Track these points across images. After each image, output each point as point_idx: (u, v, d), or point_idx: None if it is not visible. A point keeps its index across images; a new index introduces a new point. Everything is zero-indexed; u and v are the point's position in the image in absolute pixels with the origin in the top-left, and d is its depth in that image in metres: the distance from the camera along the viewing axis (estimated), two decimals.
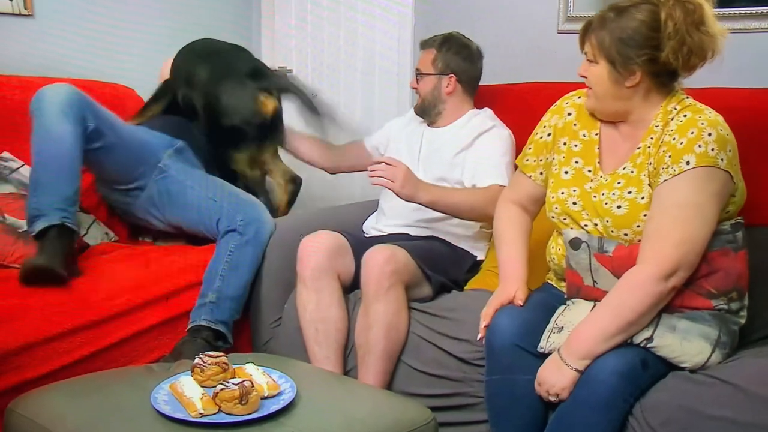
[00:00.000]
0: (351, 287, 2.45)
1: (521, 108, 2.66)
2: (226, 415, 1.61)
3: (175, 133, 2.76)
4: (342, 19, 3.67)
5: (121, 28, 3.31)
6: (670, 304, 1.77)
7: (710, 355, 1.75)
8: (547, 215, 2.03)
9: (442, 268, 2.43)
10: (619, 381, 1.68)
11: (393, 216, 2.65)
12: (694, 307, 1.79)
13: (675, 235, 1.72)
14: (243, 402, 1.60)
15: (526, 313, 1.90)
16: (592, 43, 1.86)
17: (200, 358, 1.78)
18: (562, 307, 1.91)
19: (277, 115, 2.78)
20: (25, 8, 3.02)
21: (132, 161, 2.61)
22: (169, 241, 2.81)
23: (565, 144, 2.01)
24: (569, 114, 2.03)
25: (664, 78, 1.85)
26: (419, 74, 2.70)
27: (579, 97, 2.03)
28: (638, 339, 1.75)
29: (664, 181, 1.77)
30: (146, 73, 3.01)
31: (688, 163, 1.74)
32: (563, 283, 2.00)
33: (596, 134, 1.97)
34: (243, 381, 1.65)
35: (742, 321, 1.84)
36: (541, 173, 2.07)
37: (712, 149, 1.74)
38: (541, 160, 2.06)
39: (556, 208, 1.97)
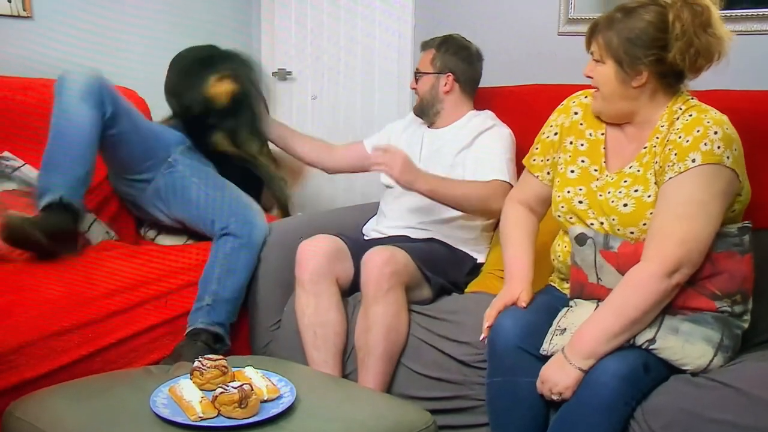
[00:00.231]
0: (350, 290, 2.44)
1: (522, 110, 2.66)
2: (225, 419, 1.60)
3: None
4: (342, 21, 3.67)
5: (120, 29, 3.31)
6: (673, 305, 1.77)
7: (712, 359, 1.74)
8: (553, 214, 2.03)
9: (442, 270, 2.43)
10: (620, 384, 1.68)
11: (393, 218, 2.65)
12: (698, 307, 1.78)
13: (679, 232, 1.73)
14: (242, 406, 1.60)
15: (529, 315, 1.90)
16: (599, 42, 1.87)
17: (199, 361, 1.77)
18: (564, 309, 1.91)
19: (240, 98, 2.77)
20: (24, 10, 3.01)
21: (143, 152, 2.63)
22: (173, 236, 2.81)
23: (571, 143, 2.01)
24: (576, 113, 2.04)
25: (670, 79, 1.86)
26: (418, 74, 2.71)
27: (585, 97, 2.04)
28: (640, 340, 1.74)
29: (670, 178, 1.77)
30: (146, 74, 3.01)
31: (693, 160, 1.74)
32: (566, 285, 2.00)
33: (602, 134, 1.98)
34: (242, 384, 1.64)
35: (745, 325, 1.84)
36: (548, 173, 2.08)
37: (718, 147, 1.74)
38: (548, 160, 2.07)
39: (563, 207, 1.97)
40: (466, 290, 2.49)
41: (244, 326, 2.57)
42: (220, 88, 2.74)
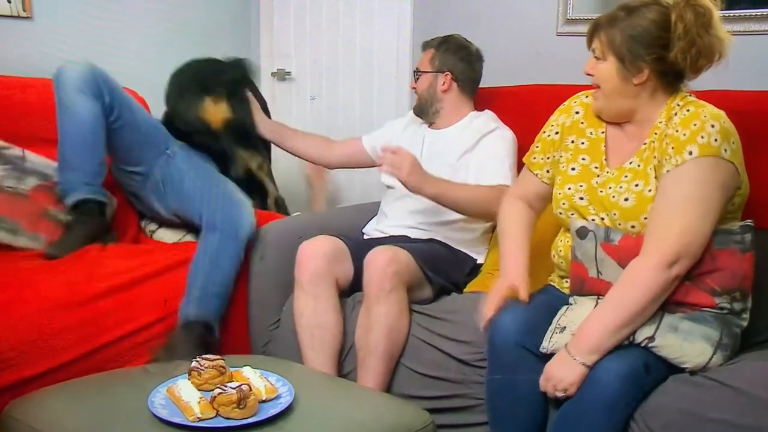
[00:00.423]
0: (350, 291, 2.44)
1: (521, 110, 2.66)
2: (223, 419, 1.60)
3: None
4: (341, 21, 3.67)
5: (119, 29, 3.31)
6: (672, 301, 1.77)
7: (711, 357, 1.74)
8: (554, 211, 2.04)
9: (443, 271, 2.43)
10: (622, 384, 1.68)
11: (395, 218, 2.65)
12: (696, 303, 1.79)
13: (677, 224, 1.73)
14: (241, 406, 1.60)
15: (529, 313, 1.91)
16: (601, 39, 1.89)
17: (197, 361, 1.77)
18: (564, 308, 1.92)
19: (234, 124, 2.84)
20: (24, 10, 3.02)
21: (141, 143, 2.66)
22: (173, 231, 2.82)
23: (572, 142, 2.03)
24: (577, 112, 2.05)
25: (670, 78, 1.87)
26: (417, 73, 2.71)
27: (587, 97, 2.05)
28: (640, 338, 1.74)
29: (667, 172, 1.78)
30: (146, 73, 3.02)
31: (690, 153, 1.75)
32: (566, 284, 2.01)
33: (602, 132, 2.00)
34: (241, 385, 1.64)
35: (744, 324, 1.84)
36: (548, 171, 2.09)
37: (715, 140, 1.75)
38: (548, 158, 2.08)
39: (563, 203, 1.99)
40: (465, 290, 2.49)
41: (243, 326, 2.57)
42: (215, 114, 2.79)
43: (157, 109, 2.92)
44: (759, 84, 2.33)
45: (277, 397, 1.70)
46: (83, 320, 2.18)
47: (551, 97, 2.18)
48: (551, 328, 1.86)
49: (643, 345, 1.74)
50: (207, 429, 1.59)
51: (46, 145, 2.61)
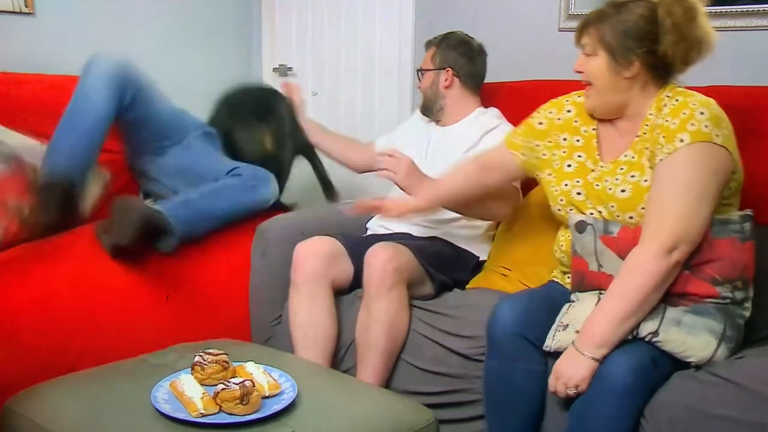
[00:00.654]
0: (350, 289, 2.44)
1: (522, 106, 2.63)
2: (226, 415, 1.60)
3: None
4: (343, 16, 3.67)
5: (121, 25, 3.31)
6: (674, 292, 1.78)
7: (716, 349, 1.75)
8: (552, 209, 2.05)
9: (445, 268, 2.43)
10: (635, 377, 1.68)
11: None
12: (698, 293, 1.79)
13: (673, 211, 1.74)
14: (244, 402, 1.59)
15: (527, 303, 1.92)
16: (591, 35, 1.92)
17: (200, 356, 1.77)
18: (567, 305, 1.92)
19: (285, 156, 2.89)
20: (26, 6, 3.01)
21: (157, 137, 2.69)
22: None
23: (565, 140, 2.05)
24: (568, 111, 2.08)
25: (660, 71, 1.90)
26: (420, 71, 2.73)
27: (579, 96, 2.07)
28: (643, 332, 1.75)
29: (660, 161, 1.79)
30: (148, 69, 3.01)
31: (682, 140, 1.77)
32: (568, 280, 2.02)
33: (594, 129, 2.03)
34: (244, 381, 1.64)
35: (747, 314, 1.84)
36: (523, 155, 2.13)
37: (706, 126, 1.76)
38: (527, 143, 2.12)
39: (561, 199, 2.00)
40: (467, 287, 2.49)
41: (246, 321, 2.57)
42: (268, 145, 2.85)
43: None
44: (759, 79, 2.34)
45: (280, 393, 1.70)
46: (81, 317, 2.19)
47: (553, 93, 2.19)
48: (554, 326, 1.86)
49: (647, 340, 1.75)
50: (210, 425, 1.58)
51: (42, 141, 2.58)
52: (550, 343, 1.84)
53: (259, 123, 2.87)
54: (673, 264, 1.74)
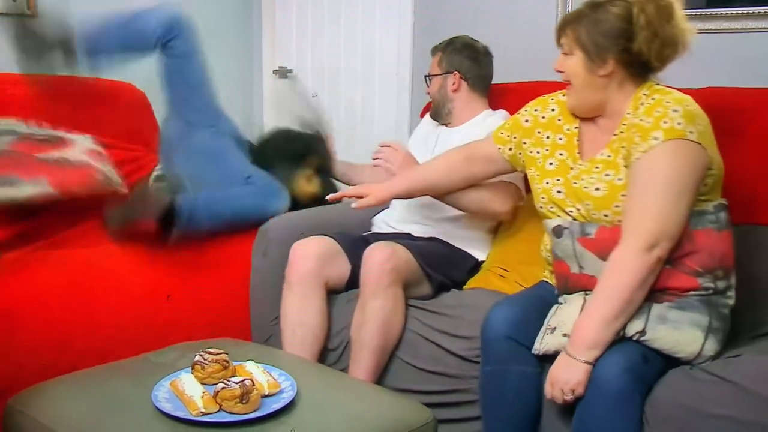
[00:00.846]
0: (347, 287, 2.46)
1: (519, 107, 2.66)
2: (227, 414, 1.61)
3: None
4: (342, 19, 3.68)
5: None
6: (657, 288, 1.79)
7: (704, 343, 1.76)
8: (535, 206, 2.08)
9: (443, 268, 2.44)
10: (629, 376, 1.69)
11: (401, 209, 2.67)
12: (680, 287, 1.80)
13: (651, 209, 1.76)
14: (244, 401, 1.60)
15: (519, 307, 1.94)
16: (568, 35, 1.95)
17: (200, 355, 1.78)
18: (554, 308, 1.93)
19: (321, 198, 2.86)
20: (28, 8, 3.03)
21: (193, 101, 2.71)
22: None
23: (548, 138, 2.08)
24: (553, 110, 2.12)
25: (637, 68, 1.91)
26: (428, 77, 2.76)
27: (563, 95, 2.10)
28: (631, 332, 1.76)
29: (637, 159, 1.81)
30: (148, 70, 3.02)
31: (656, 138, 1.78)
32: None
33: (576, 127, 2.05)
34: (244, 380, 1.65)
35: (731, 302, 1.85)
36: (510, 149, 2.17)
37: (679, 123, 1.77)
38: (514, 138, 2.17)
39: (543, 197, 2.03)
40: (465, 287, 2.49)
41: (246, 320, 2.58)
42: (307, 189, 2.86)
43: (157, 104, 2.92)
44: (756, 81, 2.34)
45: (280, 392, 1.71)
46: (80, 316, 2.20)
47: (550, 93, 2.20)
48: (542, 330, 1.88)
49: (635, 339, 1.76)
50: (210, 423, 1.59)
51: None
52: (539, 346, 1.85)
53: (294, 164, 2.88)
54: (655, 261, 1.75)
